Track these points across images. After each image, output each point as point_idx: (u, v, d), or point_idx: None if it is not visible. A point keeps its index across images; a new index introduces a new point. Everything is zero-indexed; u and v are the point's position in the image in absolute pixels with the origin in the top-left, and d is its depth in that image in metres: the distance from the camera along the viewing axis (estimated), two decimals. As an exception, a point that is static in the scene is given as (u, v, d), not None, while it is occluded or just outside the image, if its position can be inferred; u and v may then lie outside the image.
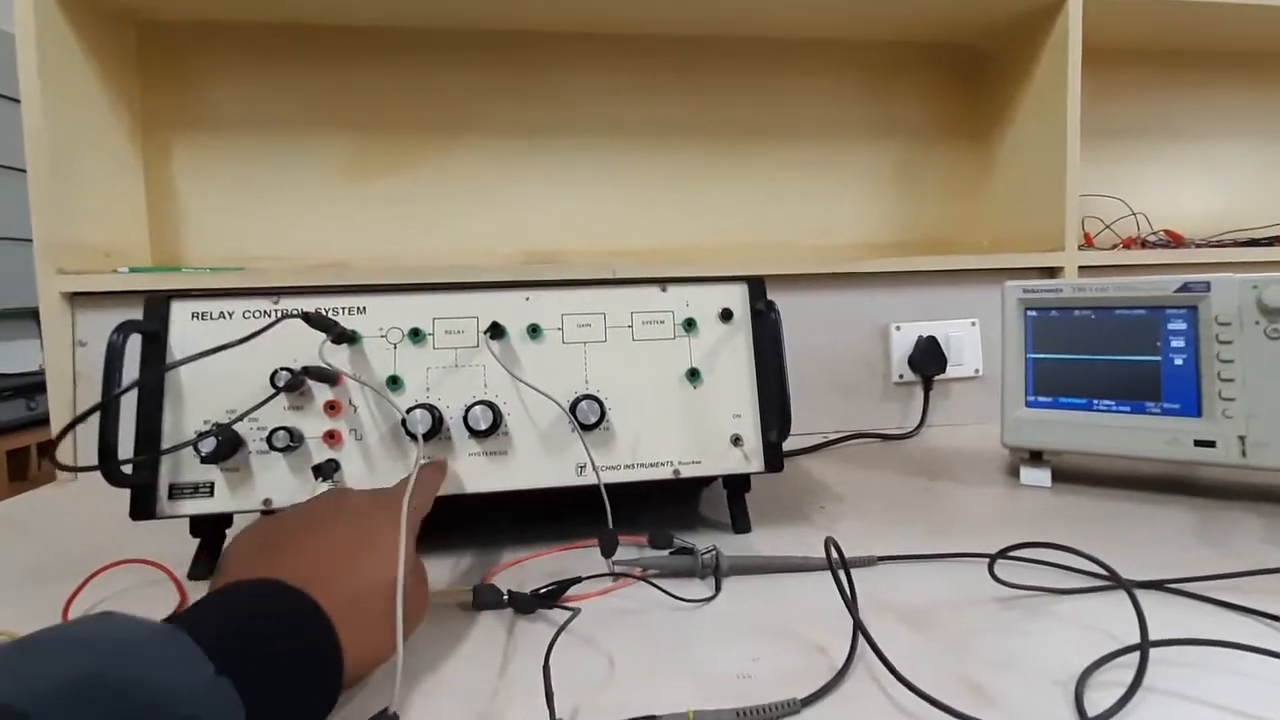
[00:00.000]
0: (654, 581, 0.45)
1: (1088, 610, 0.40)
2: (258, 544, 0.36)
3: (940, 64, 1.09)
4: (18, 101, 0.74)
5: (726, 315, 0.54)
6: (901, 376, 0.92)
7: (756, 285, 0.55)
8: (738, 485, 0.55)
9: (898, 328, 0.92)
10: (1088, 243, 1.08)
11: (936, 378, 0.90)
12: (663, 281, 0.55)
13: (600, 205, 1.01)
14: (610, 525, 0.46)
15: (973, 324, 0.93)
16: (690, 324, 0.54)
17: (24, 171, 0.74)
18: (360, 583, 0.33)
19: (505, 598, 0.43)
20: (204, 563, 0.49)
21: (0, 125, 1.77)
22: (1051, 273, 0.93)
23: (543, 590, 0.43)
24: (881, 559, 0.48)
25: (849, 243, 1.07)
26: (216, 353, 0.38)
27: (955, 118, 1.10)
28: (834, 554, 0.35)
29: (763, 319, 0.55)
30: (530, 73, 0.98)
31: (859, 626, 0.34)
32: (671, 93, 1.02)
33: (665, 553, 0.48)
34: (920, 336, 0.91)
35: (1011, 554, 0.42)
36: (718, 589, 0.44)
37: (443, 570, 0.49)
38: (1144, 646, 0.32)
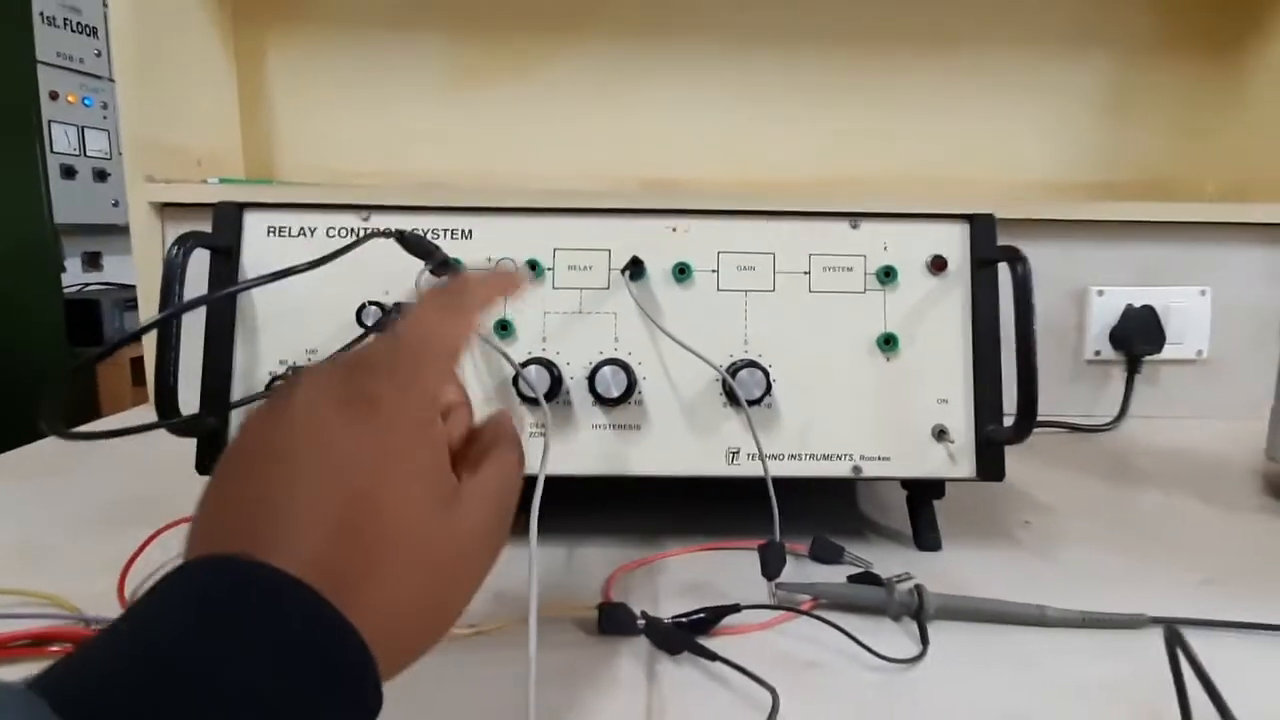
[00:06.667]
0: (833, 621, 0.33)
1: None
2: (242, 473, 0.20)
3: (1182, -48, 0.85)
4: None
5: (938, 265, 0.40)
6: (1098, 353, 0.74)
7: (984, 227, 0.41)
8: (928, 490, 0.43)
9: (1100, 292, 0.73)
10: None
11: (1147, 358, 0.72)
12: (854, 216, 0.41)
13: (733, 126, 0.86)
14: (778, 536, 0.35)
15: (1202, 293, 0.73)
16: (888, 274, 0.40)
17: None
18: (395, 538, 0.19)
19: (641, 623, 0.33)
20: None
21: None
22: (1319, 231, 0.71)
23: (689, 618, 0.33)
24: (1155, 620, 0.34)
25: (1037, 180, 0.87)
26: (288, 276, 0.28)
27: (1191, 25, 0.86)
28: (1181, 650, 0.22)
29: (987, 273, 0.40)
30: (660, -38, 0.83)
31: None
32: (828, -11, 0.84)
33: (840, 574, 0.37)
34: (1130, 305, 0.72)
35: None
36: (924, 642, 0.33)
37: (554, 566, 0.40)
38: None
